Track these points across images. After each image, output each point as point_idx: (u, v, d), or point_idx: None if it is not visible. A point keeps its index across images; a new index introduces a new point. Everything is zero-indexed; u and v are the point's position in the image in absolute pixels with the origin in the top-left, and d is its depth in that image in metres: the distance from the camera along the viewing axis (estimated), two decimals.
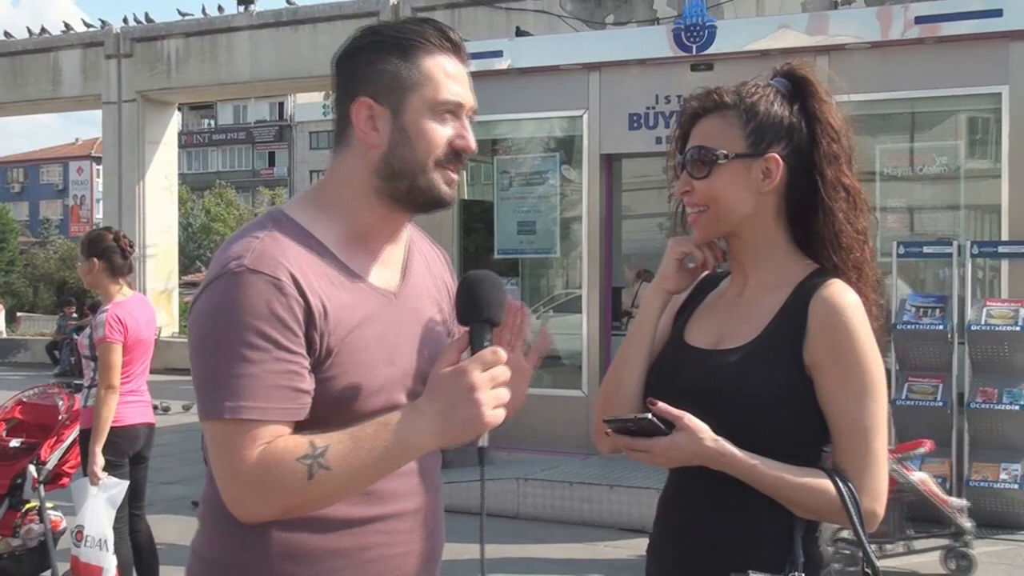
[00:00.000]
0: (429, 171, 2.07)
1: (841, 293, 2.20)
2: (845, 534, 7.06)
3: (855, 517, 2.14)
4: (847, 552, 6.92)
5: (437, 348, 2.12)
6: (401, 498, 2.11)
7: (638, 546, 8.12)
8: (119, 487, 6.04)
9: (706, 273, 2.45)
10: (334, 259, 2.04)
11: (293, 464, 1.89)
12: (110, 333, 6.05)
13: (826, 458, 2.25)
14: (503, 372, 1.93)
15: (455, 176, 2.11)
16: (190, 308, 2.03)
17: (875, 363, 2.19)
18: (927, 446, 7.29)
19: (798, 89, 2.34)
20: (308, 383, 1.96)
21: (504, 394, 1.93)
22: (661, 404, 2.18)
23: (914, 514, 7.42)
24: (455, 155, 2.09)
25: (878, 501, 2.19)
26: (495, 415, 1.92)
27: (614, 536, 8.17)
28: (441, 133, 2.07)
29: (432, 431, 1.92)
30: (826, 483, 2.16)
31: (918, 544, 7.32)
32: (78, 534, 5.98)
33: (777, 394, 2.19)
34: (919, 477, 7.26)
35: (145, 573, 6.55)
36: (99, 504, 5.96)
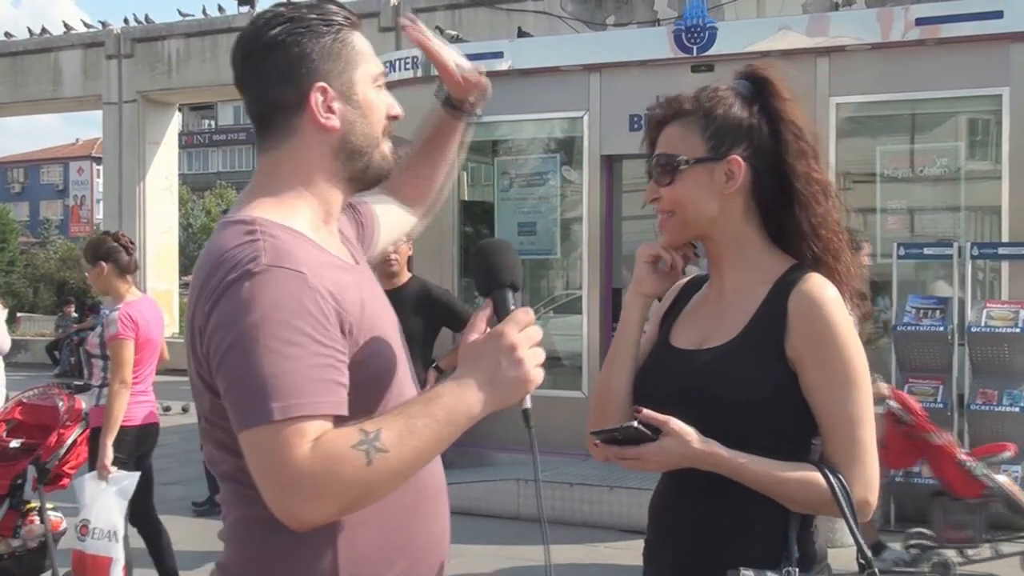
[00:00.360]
0: (381, 144, 2.12)
1: (820, 287, 2.24)
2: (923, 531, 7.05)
3: (846, 508, 2.17)
4: (917, 550, 6.88)
5: (392, 314, 2.18)
6: (429, 479, 2.09)
7: (638, 547, 8.07)
8: (130, 479, 6.11)
9: (688, 278, 2.51)
10: (317, 246, 2.02)
11: (350, 453, 1.81)
12: (123, 330, 6.21)
13: (815, 451, 2.27)
14: (537, 331, 1.96)
15: (391, 145, 2.16)
16: (205, 320, 1.91)
17: (857, 354, 2.22)
18: (1011, 450, 7.16)
19: (759, 90, 2.36)
20: (345, 376, 1.90)
21: (541, 353, 1.95)
22: (646, 411, 2.20)
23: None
24: (391, 122, 2.15)
25: (870, 490, 2.22)
26: (538, 373, 1.94)
27: (615, 537, 8.18)
28: (382, 103, 2.12)
29: (480, 398, 1.91)
30: (816, 476, 2.18)
31: (1005, 548, 7.11)
32: (82, 528, 6.01)
33: (761, 389, 2.22)
34: (1004, 480, 7.05)
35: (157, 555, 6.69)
36: (108, 497, 6.02)
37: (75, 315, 23.84)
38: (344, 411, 1.88)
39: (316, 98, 2.04)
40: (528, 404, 1.97)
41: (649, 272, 2.41)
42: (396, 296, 4.81)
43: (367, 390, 1.97)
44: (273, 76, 2.05)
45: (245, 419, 1.85)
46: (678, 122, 2.35)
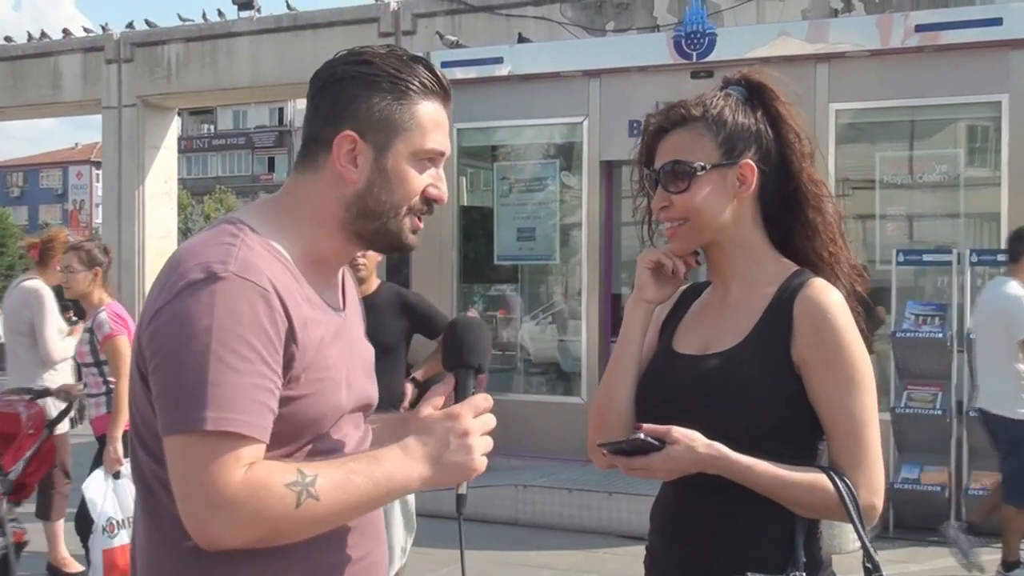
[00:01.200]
0: (401, 217, 2.04)
1: (825, 292, 2.25)
2: None
3: (854, 513, 2.17)
4: None
5: (370, 373, 2.14)
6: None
7: (638, 553, 8.06)
8: None
9: (688, 284, 2.50)
10: (297, 276, 1.98)
11: (281, 490, 1.79)
12: (116, 327, 6.35)
13: (822, 455, 2.28)
14: (491, 419, 1.96)
15: (421, 225, 2.09)
16: (157, 312, 1.87)
17: (862, 358, 2.23)
18: None
19: (756, 95, 2.38)
20: (276, 404, 1.86)
21: (489, 442, 1.95)
22: (647, 425, 2.19)
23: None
24: (427, 203, 2.06)
25: (876, 494, 2.22)
26: (482, 462, 1.94)
27: (613, 543, 8.16)
28: (419, 181, 2.04)
29: (421, 472, 1.91)
30: (823, 480, 2.18)
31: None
32: (110, 527, 5.99)
33: (769, 393, 2.22)
34: None
35: None
36: (126, 488, 6.02)
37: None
38: (267, 440, 1.85)
39: (341, 144, 2.00)
40: (463, 490, 1.98)
41: (651, 279, 2.40)
42: (367, 304, 4.76)
43: (296, 428, 1.92)
44: (322, 107, 2.04)
45: (175, 423, 1.81)
46: (685, 128, 2.34)
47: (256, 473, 1.79)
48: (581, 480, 8.97)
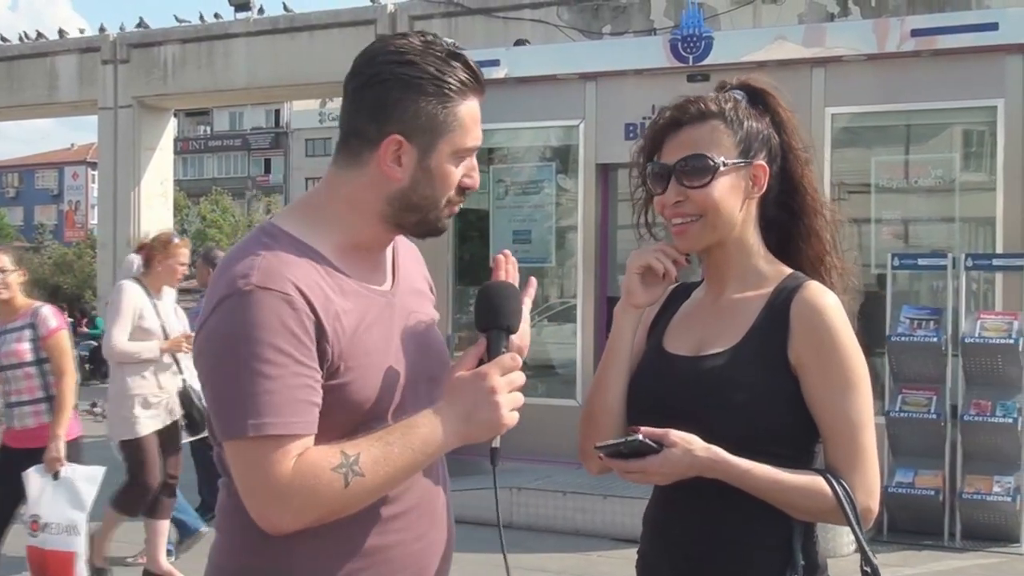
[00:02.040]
0: (441, 208, 2.15)
1: (821, 294, 2.25)
2: None
3: (851, 516, 2.16)
4: None
5: (434, 342, 2.24)
6: (413, 493, 2.14)
7: (631, 556, 8.05)
8: (94, 472, 5.99)
9: (677, 284, 2.48)
10: (331, 266, 2.07)
11: (329, 475, 1.94)
12: (60, 322, 6.20)
13: (818, 458, 2.28)
14: (520, 377, 2.05)
15: (456, 210, 2.19)
16: (197, 331, 2.06)
17: (859, 361, 2.23)
18: None
19: (759, 100, 2.38)
20: (319, 396, 2.00)
21: (520, 398, 2.05)
22: (644, 428, 2.18)
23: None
24: (461, 191, 2.16)
25: (872, 497, 2.22)
26: (512, 417, 2.04)
27: (608, 546, 8.15)
28: (457, 175, 2.14)
29: (454, 431, 2.02)
30: (821, 483, 2.18)
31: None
32: (32, 524, 5.87)
33: (767, 395, 2.21)
34: None
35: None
36: (61, 491, 5.87)
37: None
38: (314, 431, 1.99)
39: (388, 147, 2.07)
40: (497, 444, 2.09)
41: (640, 283, 2.38)
42: None
43: (340, 414, 2.03)
44: (366, 105, 2.09)
45: (225, 431, 1.99)
46: (702, 124, 2.31)
47: (304, 464, 1.95)
48: (576, 483, 8.96)
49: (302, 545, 2.04)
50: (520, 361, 2.08)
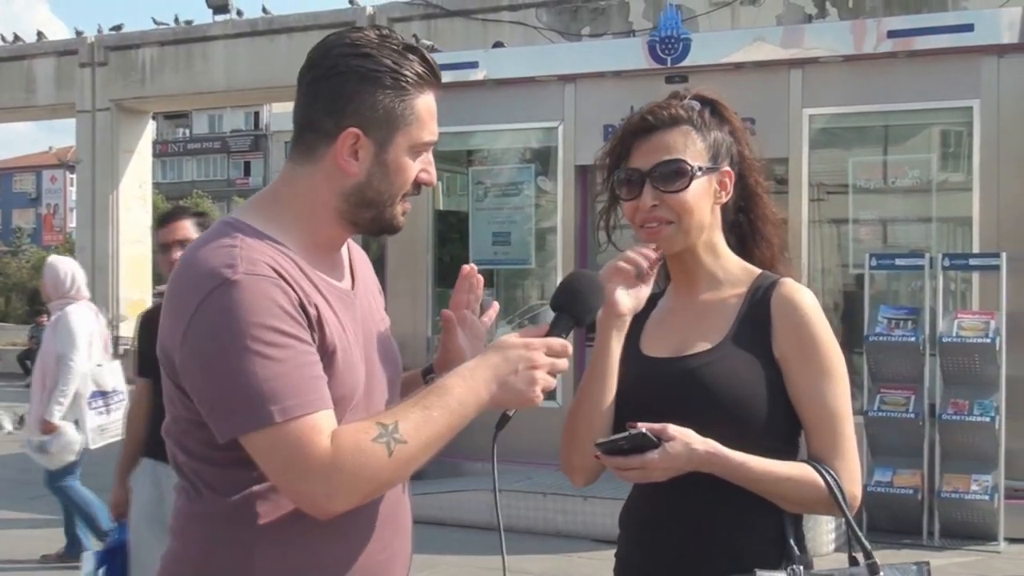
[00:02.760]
0: (396, 203, 2.13)
1: (798, 290, 2.32)
2: None
3: (844, 504, 2.21)
4: None
5: (391, 346, 2.23)
6: (380, 502, 2.11)
7: (612, 557, 8.09)
8: None
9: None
10: (302, 263, 2.05)
11: (371, 446, 1.91)
12: None
13: (800, 448, 2.33)
14: (563, 364, 2.06)
15: (409, 206, 2.17)
16: (186, 328, 1.95)
17: (837, 353, 2.30)
18: None
19: (715, 111, 2.42)
20: (322, 371, 1.97)
21: (554, 383, 2.06)
22: (644, 424, 2.18)
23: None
24: (416, 187, 2.14)
25: (856, 484, 2.27)
26: (540, 397, 2.06)
27: (588, 547, 8.17)
28: (413, 169, 2.12)
29: (488, 392, 2.02)
30: (812, 473, 2.23)
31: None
32: None
33: (756, 389, 2.26)
34: None
35: None
36: None
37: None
38: (331, 405, 1.95)
39: (345, 141, 2.05)
40: (512, 412, 2.10)
41: (623, 292, 2.34)
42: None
43: None
44: (321, 99, 2.07)
45: (246, 423, 1.91)
46: (674, 129, 2.34)
47: (344, 440, 1.91)
48: (556, 484, 8.97)
49: (264, 555, 2.01)
50: (570, 350, 2.08)
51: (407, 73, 2.06)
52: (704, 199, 2.33)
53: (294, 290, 1.97)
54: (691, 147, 2.32)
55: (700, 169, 2.31)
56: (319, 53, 2.09)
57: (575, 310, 2.15)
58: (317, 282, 2.05)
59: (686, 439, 2.17)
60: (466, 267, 2.31)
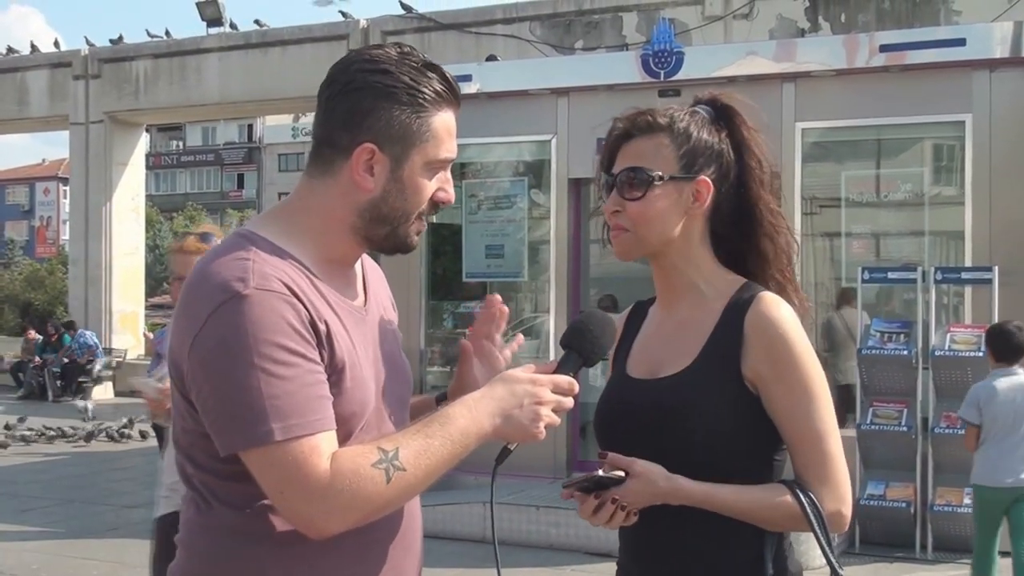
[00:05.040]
0: (411, 222, 2.12)
1: (775, 306, 2.25)
2: None
3: (817, 526, 2.17)
4: None
5: (402, 365, 2.23)
6: (392, 521, 2.11)
7: (605, 571, 8.08)
8: None
9: (630, 307, 2.53)
10: (313, 275, 2.05)
11: (370, 471, 1.91)
12: None
13: (778, 468, 2.29)
14: (568, 403, 2.07)
15: (424, 226, 2.16)
16: (194, 340, 1.95)
17: (817, 370, 2.24)
18: None
19: (724, 117, 2.38)
20: (329, 391, 1.97)
21: (557, 420, 2.06)
22: (611, 455, 2.20)
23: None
24: (433, 206, 2.14)
25: (843, 502, 2.23)
26: (543, 433, 2.06)
27: (582, 560, 8.17)
28: (430, 188, 2.11)
29: (491, 425, 2.02)
30: (785, 496, 2.19)
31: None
32: None
33: (722, 412, 2.22)
34: None
35: None
36: None
37: (39, 338, 23.47)
38: (334, 426, 1.95)
39: (360, 156, 2.05)
40: (513, 447, 2.10)
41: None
42: None
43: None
44: (338, 114, 2.07)
45: (246, 440, 1.91)
46: (648, 136, 2.32)
47: (343, 463, 1.91)
48: (549, 497, 8.96)
49: (272, 569, 2.00)
50: (576, 389, 2.09)
51: (425, 90, 2.06)
52: (667, 209, 2.29)
53: (305, 306, 1.96)
54: (660, 156, 2.30)
55: (662, 178, 2.28)
56: (338, 69, 2.09)
57: (584, 349, 2.16)
58: (329, 298, 2.05)
59: (649, 475, 2.17)
60: (493, 297, 2.32)
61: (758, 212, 2.35)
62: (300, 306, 1.95)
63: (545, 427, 2.05)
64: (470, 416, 2.00)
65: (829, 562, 2.21)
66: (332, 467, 1.90)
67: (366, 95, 2.04)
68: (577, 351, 2.16)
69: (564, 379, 2.09)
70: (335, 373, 1.99)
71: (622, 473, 2.18)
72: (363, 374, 2.06)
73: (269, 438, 1.88)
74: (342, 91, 2.06)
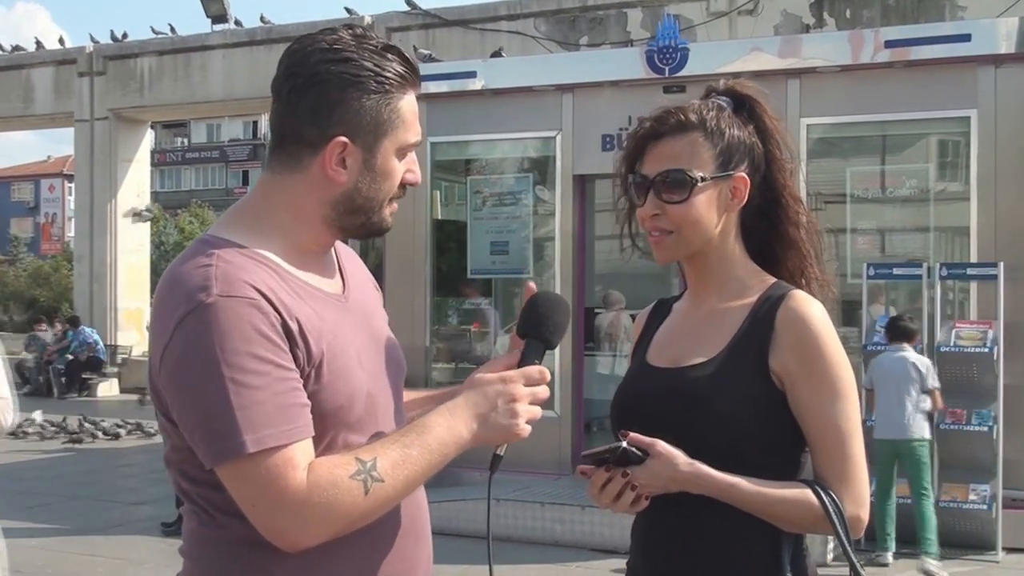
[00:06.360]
0: (384, 207, 2.09)
1: (807, 304, 2.22)
2: None
3: (839, 527, 2.14)
4: None
5: (392, 347, 2.18)
6: (403, 513, 2.09)
7: (610, 567, 8.11)
8: None
9: (654, 303, 2.51)
10: (285, 272, 2.00)
11: (348, 483, 1.87)
12: None
13: (803, 467, 2.25)
14: (543, 392, 2.04)
15: (396, 207, 2.13)
16: (162, 354, 1.89)
17: (846, 369, 2.21)
18: None
19: (745, 107, 2.36)
20: (306, 397, 1.92)
21: (537, 412, 2.03)
22: (633, 434, 2.16)
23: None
24: (403, 188, 2.10)
25: (862, 506, 2.20)
26: (525, 429, 2.02)
27: (586, 557, 8.14)
28: (400, 171, 2.07)
29: (469, 432, 1.99)
30: (807, 495, 2.16)
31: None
32: None
33: (749, 404, 2.19)
34: None
35: None
36: None
37: (44, 330, 23.50)
38: (311, 433, 1.90)
39: (334, 149, 2.00)
40: (502, 452, 2.08)
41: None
42: None
43: (321, 420, 1.95)
44: (304, 107, 2.00)
45: (219, 453, 1.85)
46: (680, 135, 2.28)
47: (319, 474, 1.86)
48: (554, 494, 8.97)
49: (282, 567, 1.96)
50: (548, 376, 2.06)
51: (389, 75, 2.02)
52: (709, 209, 2.26)
53: (275, 307, 1.90)
54: (697, 156, 2.26)
55: (703, 179, 2.24)
56: (296, 60, 2.03)
57: (543, 334, 2.12)
58: (303, 290, 2.00)
59: (671, 459, 2.14)
60: (529, 285, 2.25)
61: (784, 200, 2.33)
62: (269, 308, 1.89)
63: (528, 422, 2.02)
64: (446, 425, 1.97)
65: (851, 564, 2.17)
66: (309, 478, 1.85)
67: (332, 86, 1.99)
68: (537, 337, 2.12)
69: (534, 369, 2.05)
70: (313, 368, 1.94)
71: (641, 455, 2.14)
72: (347, 363, 2.00)
73: (240, 450, 1.82)
74: (306, 83, 2.00)
